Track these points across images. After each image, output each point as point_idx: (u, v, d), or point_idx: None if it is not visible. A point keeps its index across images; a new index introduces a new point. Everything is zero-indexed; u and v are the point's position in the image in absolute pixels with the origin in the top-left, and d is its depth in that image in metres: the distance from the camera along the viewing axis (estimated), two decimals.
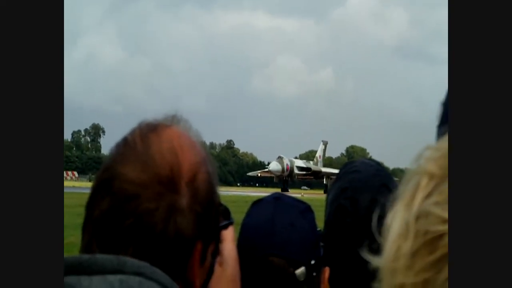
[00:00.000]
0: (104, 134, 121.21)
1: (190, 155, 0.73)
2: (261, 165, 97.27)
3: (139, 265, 0.65)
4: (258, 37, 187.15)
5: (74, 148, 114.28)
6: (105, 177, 0.72)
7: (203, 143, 0.79)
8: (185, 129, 0.77)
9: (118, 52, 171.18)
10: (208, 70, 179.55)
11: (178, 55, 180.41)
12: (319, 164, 74.55)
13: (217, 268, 0.80)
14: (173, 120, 0.77)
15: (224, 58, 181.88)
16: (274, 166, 64.43)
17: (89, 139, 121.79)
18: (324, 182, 69.53)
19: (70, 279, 0.63)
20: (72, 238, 10.48)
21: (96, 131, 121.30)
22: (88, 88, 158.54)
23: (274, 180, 69.20)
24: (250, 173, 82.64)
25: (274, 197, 1.23)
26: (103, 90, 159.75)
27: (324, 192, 59.00)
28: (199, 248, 0.73)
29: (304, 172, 68.04)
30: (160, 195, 0.70)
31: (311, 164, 71.63)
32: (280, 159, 64.71)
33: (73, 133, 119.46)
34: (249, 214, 1.21)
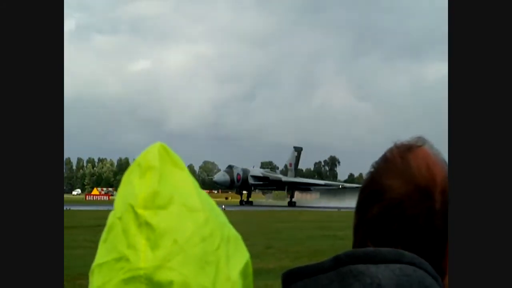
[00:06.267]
0: (339, 164, 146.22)
1: (439, 169, 0.85)
2: None
3: (413, 257, 0.76)
4: None
5: (316, 176, 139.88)
6: (373, 188, 0.85)
7: (444, 160, 0.88)
8: (430, 149, 0.87)
9: (347, 97, 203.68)
10: (419, 109, 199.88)
11: (394, 98, 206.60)
12: (289, 172, 64.55)
13: None
14: (420, 141, 0.88)
15: (432, 100, 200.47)
16: (220, 177, 55.38)
17: (327, 168, 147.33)
18: (285, 192, 60.22)
19: (359, 267, 0.74)
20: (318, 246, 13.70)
21: (333, 161, 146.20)
22: (326, 128, 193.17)
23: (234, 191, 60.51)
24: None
25: None
26: (335, 129, 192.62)
27: (289, 205, 55.28)
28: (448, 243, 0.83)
29: (261, 182, 59.06)
30: (420, 202, 0.82)
31: (270, 173, 62.37)
32: (229, 168, 55.76)
33: (315, 163, 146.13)
34: None
